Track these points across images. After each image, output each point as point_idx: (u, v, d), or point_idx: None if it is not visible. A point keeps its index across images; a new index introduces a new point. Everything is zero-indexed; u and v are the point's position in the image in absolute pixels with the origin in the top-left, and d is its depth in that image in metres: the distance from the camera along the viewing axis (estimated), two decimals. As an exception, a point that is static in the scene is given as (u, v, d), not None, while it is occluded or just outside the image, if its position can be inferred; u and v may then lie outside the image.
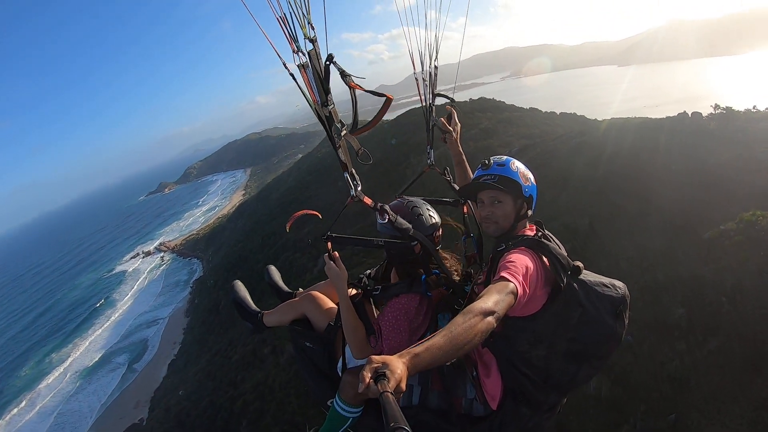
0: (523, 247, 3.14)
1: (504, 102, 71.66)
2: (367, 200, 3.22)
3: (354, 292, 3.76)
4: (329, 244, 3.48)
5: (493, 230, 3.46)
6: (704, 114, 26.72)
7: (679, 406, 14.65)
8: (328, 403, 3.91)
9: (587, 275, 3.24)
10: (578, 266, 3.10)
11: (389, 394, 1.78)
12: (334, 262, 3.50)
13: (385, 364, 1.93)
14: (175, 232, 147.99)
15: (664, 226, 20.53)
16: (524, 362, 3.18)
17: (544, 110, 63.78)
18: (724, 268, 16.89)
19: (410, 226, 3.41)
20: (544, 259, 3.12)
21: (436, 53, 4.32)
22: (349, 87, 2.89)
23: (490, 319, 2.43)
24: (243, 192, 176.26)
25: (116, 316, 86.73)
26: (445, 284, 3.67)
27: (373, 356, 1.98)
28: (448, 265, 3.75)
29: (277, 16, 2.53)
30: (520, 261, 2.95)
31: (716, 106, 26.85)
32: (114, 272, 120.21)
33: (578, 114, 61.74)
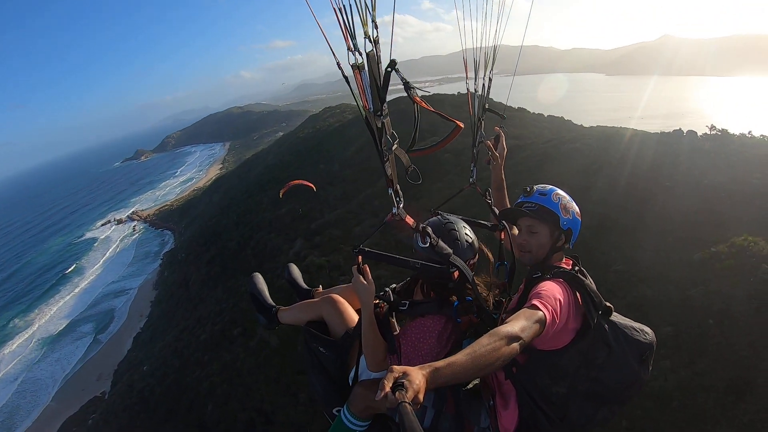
0: (559, 279, 3.12)
1: (492, 99, 70.86)
2: (409, 219, 3.02)
3: (376, 301, 3.53)
4: (359, 257, 3.29)
5: (527, 259, 3.48)
6: (699, 133, 26.71)
7: (661, 425, 14.58)
8: (334, 411, 3.91)
9: (617, 317, 3.18)
10: (610, 307, 3.10)
11: (407, 404, 1.79)
12: (363, 277, 3.33)
13: (405, 374, 1.95)
14: (149, 202, 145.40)
15: (655, 243, 20.36)
16: (543, 397, 3.10)
17: (531, 111, 63.44)
18: (713, 291, 16.84)
19: (451, 251, 3.25)
20: (578, 294, 3.10)
21: (492, 63, 4.17)
22: (413, 101, 2.74)
23: (514, 345, 2.43)
24: (220, 166, 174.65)
25: (84, 284, 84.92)
26: (476, 312, 3.50)
27: (395, 366, 1.99)
28: (480, 291, 3.54)
29: (335, 6, 2.28)
30: (553, 292, 2.94)
31: (712, 127, 26.83)
32: (84, 238, 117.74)
33: (566, 118, 61.70)
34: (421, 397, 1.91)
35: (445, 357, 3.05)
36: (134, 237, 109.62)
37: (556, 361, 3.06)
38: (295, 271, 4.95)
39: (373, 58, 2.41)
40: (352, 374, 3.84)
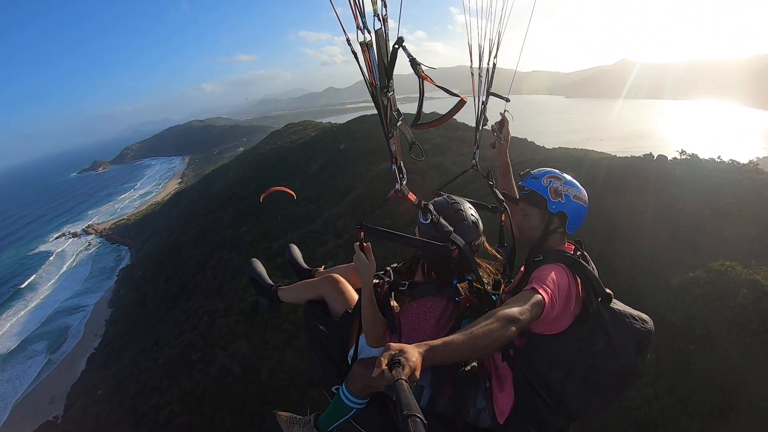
0: (560, 264, 3.12)
1: (456, 119, 70.97)
2: (411, 196, 3.14)
3: (376, 281, 3.57)
4: (361, 233, 3.36)
5: (521, 241, 3.59)
6: (669, 157, 26.62)
7: (647, 454, 14.14)
8: (333, 389, 4.03)
9: (616, 304, 3.18)
10: (609, 293, 3.11)
11: (403, 381, 1.81)
12: (365, 253, 3.37)
13: (401, 351, 1.98)
14: (105, 215, 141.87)
15: (630, 268, 19.98)
16: (540, 382, 3.11)
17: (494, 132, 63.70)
18: (693, 316, 16.58)
19: (451, 229, 3.30)
20: (578, 279, 3.11)
21: (497, 49, 4.22)
22: (419, 77, 2.74)
23: (512, 327, 2.48)
24: (179, 180, 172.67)
25: (38, 300, 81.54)
26: (476, 292, 3.53)
27: (391, 344, 2.03)
28: (481, 272, 3.61)
29: None
30: (554, 276, 2.97)
31: (682, 152, 26.87)
32: (38, 251, 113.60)
33: (528, 140, 62.16)
34: (417, 374, 1.93)
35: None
36: (90, 252, 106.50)
37: (554, 346, 3.08)
38: (296, 251, 4.99)
39: (382, 36, 2.46)
40: (351, 353, 3.89)
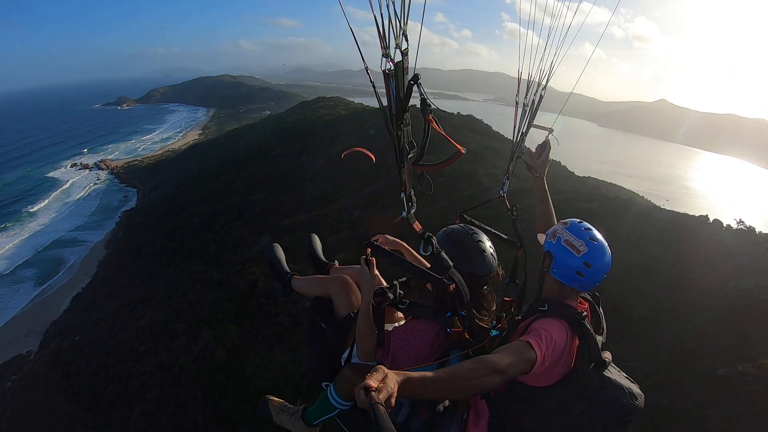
0: (562, 320, 3.04)
1: (490, 127, 69.47)
2: (417, 225, 3.16)
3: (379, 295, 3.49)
4: (368, 249, 3.45)
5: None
6: (724, 223, 24.60)
7: None
8: (323, 385, 4.09)
9: (611, 371, 3.12)
10: (605, 360, 3.07)
11: (380, 405, 1.83)
12: (368, 269, 3.48)
13: (385, 376, 2.00)
14: (119, 152, 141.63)
15: (672, 344, 18.08)
16: (513, 428, 3.12)
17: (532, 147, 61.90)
18: (736, 414, 14.81)
19: (450, 264, 3.18)
20: (576, 340, 3.02)
21: (547, 81, 4.15)
22: (425, 119, 2.86)
23: (496, 378, 2.49)
24: (200, 132, 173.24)
25: (38, 227, 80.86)
26: (467, 328, 3.39)
27: (381, 366, 2.06)
28: (485, 304, 3.65)
29: (375, 13, 2.38)
30: (552, 333, 2.92)
31: (739, 221, 24.86)
32: (48, 176, 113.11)
33: (562, 164, 60.50)
34: (393, 401, 1.94)
35: (434, 362, 3.33)
36: (97, 186, 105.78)
37: (534, 399, 3.05)
38: (316, 241, 4.99)
39: (401, 68, 2.51)
40: (345, 355, 3.88)
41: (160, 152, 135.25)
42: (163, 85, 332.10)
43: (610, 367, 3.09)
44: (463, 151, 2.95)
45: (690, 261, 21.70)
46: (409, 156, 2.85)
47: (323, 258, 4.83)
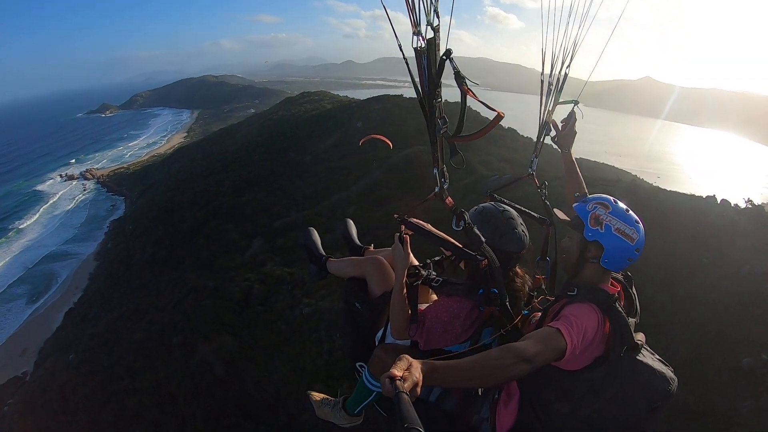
0: (593, 304, 2.98)
1: (479, 113, 68.17)
2: (449, 200, 3.21)
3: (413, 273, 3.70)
4: (402, 226, 3.51)
5: (563, 261, 3.42)
6: (732, 203, 23.46)
7: None
8: (357, 365, 4.21)
9: (644, 354, 3.07)
10: (638, 343, 3.03)
11: (404, 394, 1.84)
12: (402, 245, 3.50)
13: (410, 365, 2.01)
14: (105, 161, 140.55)
15: (692, 332, 17.08)
16: (544, 410, 3.12)
17: (522, 133, 60.87)
18: (764, 408, 14.14)
19: (483, 240, 3.20)
20: (608, 323, 2.97)
21: (571, 59, 4.13)
22: (461, 91, 2.86)
23: (524, 366, 2.46)
24: (185, 134, 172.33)
25: (27, 242, 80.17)
26: (499, 306, 3.36)
27: (405, 356, 2.07)
28: (518, 282, 3.62)
29: None
30: (583, 319, 2.87)
31: (748, 200, 23.74)
32: (34, 190, 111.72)
33: (554, 147, 59.51)
34: (418, 390, 1.95)
35: (467, 341, 3.47)
36: (84, 197, 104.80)
37: (565, 382, 3.04)
38: (351, 225, 5.01)
39: (433, 45, 2.55)
40: (379, 335, 3.95)
41: (146, 158, 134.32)
42: (146, 89, 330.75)
43: (643, 350, 3.06)
44: (502, 114, 2.95)
45: (702, 245, 20.72)
46: (442, 130, 2.88)
47: (357, 241, 4.90)
